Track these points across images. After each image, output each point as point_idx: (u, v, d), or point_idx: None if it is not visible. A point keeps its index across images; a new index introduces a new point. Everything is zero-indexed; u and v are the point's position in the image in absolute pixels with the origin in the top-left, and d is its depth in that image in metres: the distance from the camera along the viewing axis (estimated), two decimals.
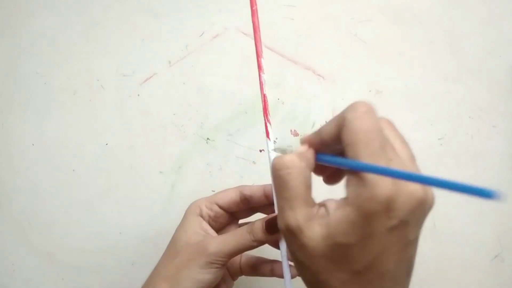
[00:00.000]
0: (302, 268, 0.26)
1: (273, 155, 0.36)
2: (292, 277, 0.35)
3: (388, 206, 0.23)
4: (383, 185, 0.23)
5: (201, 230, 0.36)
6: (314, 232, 0.24)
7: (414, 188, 0.24)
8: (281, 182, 0.26)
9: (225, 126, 0.47)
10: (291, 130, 0.46)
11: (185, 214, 0.37)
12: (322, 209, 0.26)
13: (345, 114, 0.25)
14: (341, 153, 0.26)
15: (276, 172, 0.27)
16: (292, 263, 0.34)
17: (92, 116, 0.48)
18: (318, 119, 0.46)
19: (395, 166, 0.24)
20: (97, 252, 0.48)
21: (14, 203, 0.49)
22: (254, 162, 0.46)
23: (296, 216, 0.25)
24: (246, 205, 0.38)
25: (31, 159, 0.49)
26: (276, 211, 0.34)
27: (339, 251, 0.24)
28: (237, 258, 0.39)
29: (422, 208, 0.24)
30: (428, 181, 0.22)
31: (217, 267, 0.34)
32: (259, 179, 0.46)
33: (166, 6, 0.48)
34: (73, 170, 0.48)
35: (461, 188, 0.20)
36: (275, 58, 0.46)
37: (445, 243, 0.44)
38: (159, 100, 0.48)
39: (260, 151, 0.46)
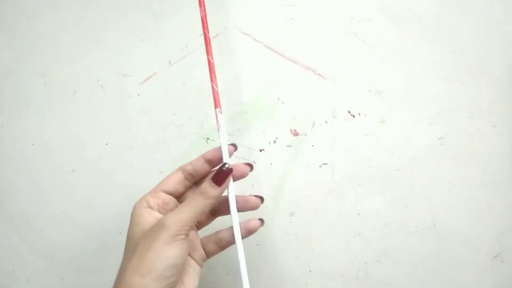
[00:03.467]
0: None
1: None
2: (254, 229, 0.39)
3: None
4: None
5: (153, 219, 0.36)
6: None
7: None
8: None
9: (225, 126, 0.47)
10: (291, 130, 0.46)
11: (132, 212, 0.37)
12: None
13: None
14: None
15: None
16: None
17: (92, 116, 0.48)
18: (318, 119, 0.46)
19: None
20: (97, 252, 0.48)
21: (14, 203, 0.49)
22: (254, 162, 0.46)
23: None
24: (191, 180, 0.39)
25: (31, 159, 0.49)
26: (223, 158, 0.38)
27: None
28: (197, 241, 0.39)
29: None
30: None
31: (181, 239, 0.34)
32: (259, 179, 0.46)
33: (166, 6, 0.48)
34: (73, 170, 0.48)
35: None
36: (275, 58, 0.46)
37: (445, 243, 0.44)
38: (159, 100, 0.48)
39: (260, 151, 0.46)
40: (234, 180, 0.38)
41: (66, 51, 0.49)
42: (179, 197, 0.39)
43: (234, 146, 0.40)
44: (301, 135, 0.46)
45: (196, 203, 0.35)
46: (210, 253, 0.39)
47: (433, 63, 0.45)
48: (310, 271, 0.45)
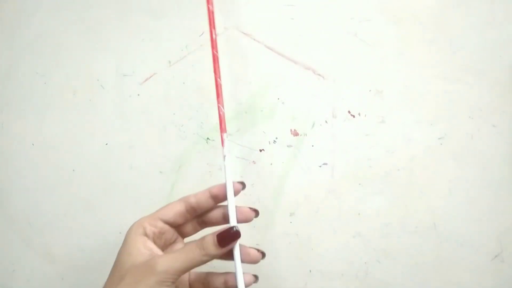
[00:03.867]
0: None
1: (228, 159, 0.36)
2: (247, 285, 0.35)
3: None
4: None
5: (146, 249, 0.34)
6: None
7: None
8: None
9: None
10: (291, 130, 0.46)
11: (127, 235, 0.36)
12: None
13: None
14: None
15: None
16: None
17: (92, 116, 0.48)
18: (318, 119, 0.46)
19: None
20: (97, 252, 0.48)
21: (14, 203, 0.49)
22: (254, 162, 0.46)
23: None
24: (193, 214, 0.37)
25: (31, 159, 0.49)
26: (230, 220, 0.35)
27: None
28: (185, 277, 0.38)
29: None
30: None
31: (167, 286, 0.32)
32: (259, 179, 0.46)
33: (166, 6, 0.48)
34: (73, 170, 0.48)
35: None
36: (275, 58, 0.46)
37: (445, 243, 0.44)
38: (159, 100, 0.48)
39: (260, 151, 0.46)
40: (237, 222, 0.36)
41: (66, 51, 0.49)
42: (177, 227, 0.38)
43: (242, 184, 0.37)
44: (301, 135, 0.46)
45: (193, 256, 0.33)
46: None
47: (433, 63, 0.45)
48: (310, 271, 0.45)
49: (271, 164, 0.46)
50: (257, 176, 0.46)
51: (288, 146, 0.46)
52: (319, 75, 0.46)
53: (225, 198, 0.36)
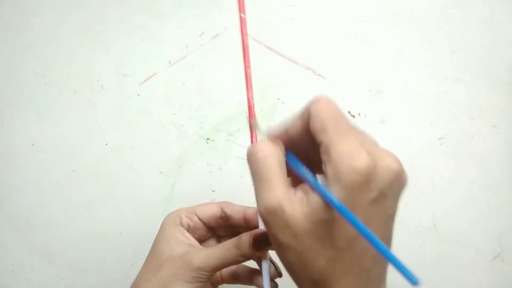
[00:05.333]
0: (285, 250, 0.25)
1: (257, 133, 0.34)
2: None
3: (368, 176, 0.23)
4: (361, 157, 0.23)
5: (184, 239, 0.35)
6: (296, 210, 0.24)
7: (391, 161, 0.24)
8: (258, 164, 0.26)
9: (225, 126, 0.47)
10: None
11: (164, 223, 0.36)
12: (299, 192, 0.25)
13: (309, 107, 0.26)
14: (306, 149, 0.26)
15: (253, 156, 0.26)
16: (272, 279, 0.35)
17: (92, 116, 0.48)
18: None
19: (368, 145, 0.25)
20: (97, 252, 0.48)
21: (14, 203, 0.49)
22: None
23: (276, 193, 0.25)
24: (225, 222, 0.37)
25: (31, 159, 0.49)
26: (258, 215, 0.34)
27: (323, 228, 0.24)
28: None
29: (398, 181, 0.25)
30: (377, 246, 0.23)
31: (202, 281, 0.33)
32: None
33: (166, 6, 0.48)
34: (73, 170, 0.48)
35: (397, 265, 0.23)
36: (275, 58, 0.46)
37: (445, 243, 0.44)
38: (159, 100, 0.48)
39: None
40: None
41: (66, 51, 0.49)
42: (212, 228, 0.38)
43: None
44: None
45: (229, 255, 0.33)
46: (227, 281, 0.38)
47: (433, 63, 0.45)
48: None
49: None
50: None
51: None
52: (319, 75, 0.46)
53: (256, 225, 0.35)
